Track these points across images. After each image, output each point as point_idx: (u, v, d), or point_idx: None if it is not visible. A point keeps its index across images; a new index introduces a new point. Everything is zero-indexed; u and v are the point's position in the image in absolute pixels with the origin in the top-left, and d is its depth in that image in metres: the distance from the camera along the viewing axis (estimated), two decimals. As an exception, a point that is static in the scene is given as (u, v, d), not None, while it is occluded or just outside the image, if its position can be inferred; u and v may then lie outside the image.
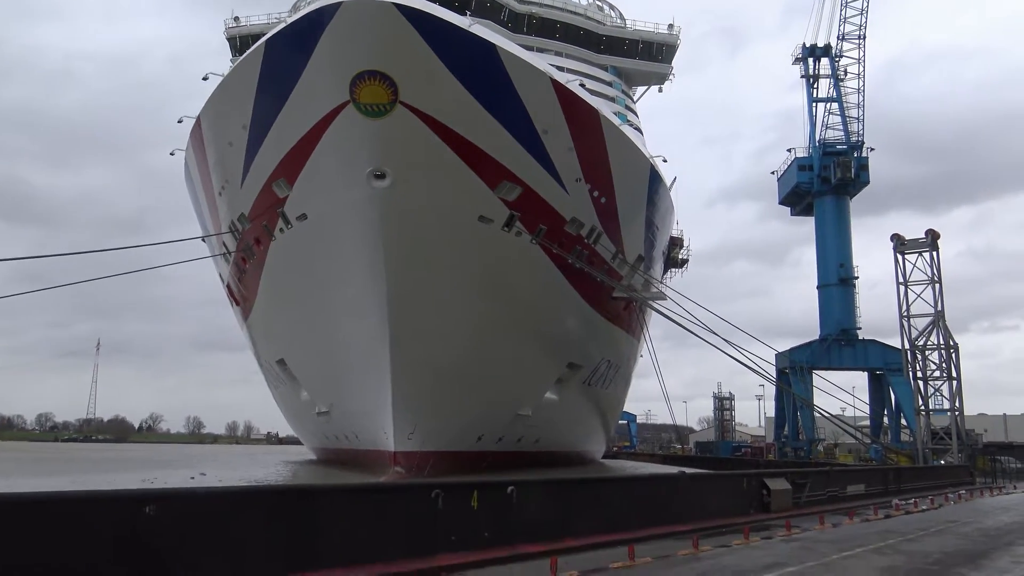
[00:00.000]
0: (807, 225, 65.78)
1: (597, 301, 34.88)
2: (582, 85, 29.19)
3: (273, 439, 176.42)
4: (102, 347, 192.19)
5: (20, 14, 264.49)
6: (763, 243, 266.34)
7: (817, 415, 53.84)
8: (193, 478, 32.48)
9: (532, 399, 34.29)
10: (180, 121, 31.05)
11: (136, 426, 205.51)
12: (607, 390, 43.85)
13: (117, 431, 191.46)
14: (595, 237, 32.24)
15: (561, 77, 27.20)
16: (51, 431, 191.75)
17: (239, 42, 43.50)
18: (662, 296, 39.43)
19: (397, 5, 21.78)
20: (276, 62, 23.93)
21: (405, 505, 10.85)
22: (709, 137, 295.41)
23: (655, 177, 36.31)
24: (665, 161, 37.42)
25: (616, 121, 31.08)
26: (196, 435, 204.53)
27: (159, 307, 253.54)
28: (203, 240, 36.98)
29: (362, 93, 22.54)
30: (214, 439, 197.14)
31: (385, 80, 22.43)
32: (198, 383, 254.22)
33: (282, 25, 23.56)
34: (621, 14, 50.90)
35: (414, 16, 22.03)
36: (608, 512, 14.16)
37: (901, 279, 45.87)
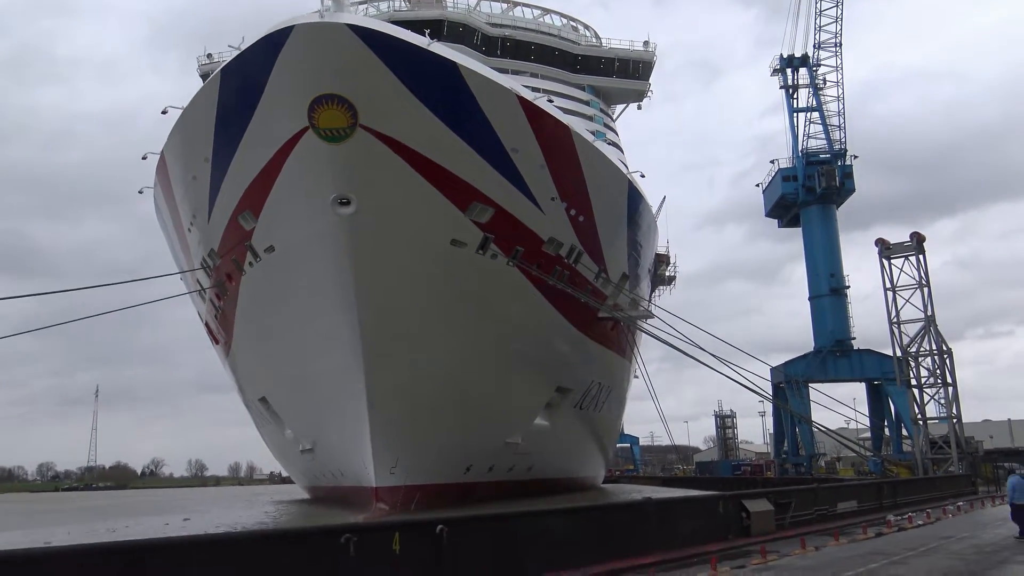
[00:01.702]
0: (796, 243, 65.44)
1: (582, 322, 34.07)
2: (550, 100, 28.66)
3: (276, 479, 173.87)
4: (103, 394, 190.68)
5: (20, 79, 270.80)
6: (753, 262, 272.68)
7: (816, 429, 52.91)
8: (167, 524, 31.43)
9: (520, 426, 33.35)
10: (144, 158, 30.43)
11: (138, 472, 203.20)
12: (600, 413, 42.91)
13: (119, 478, 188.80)
14: (575, 256, 31.52)
15: (529, 94, 26.60)
16: (52, 480, 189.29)
17: None
18: (649, 315, 38.68)
19: (352, 26, 21.23)
20: (233, 91, 23.34)
21: (307, 554, 9.18)
22: (690, 164, 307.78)
23: (634, 193, 35.69)
24: (643, 176, 36.89)
25: (590, 137, 30.51)
26: (199, 478, 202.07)
27: (159, 352, 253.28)
28: (181, 278, 36.27)
29: (321, 118, 21.92)
30: (216, 481, 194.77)
31: (343, 103, 21.82)
32: (200, 425, 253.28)
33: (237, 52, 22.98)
34: (596, 33, 50.80)
35: (370, 37, 21.46)
36: (561, 547, 12.82)
37: (888, 285, 45.12)
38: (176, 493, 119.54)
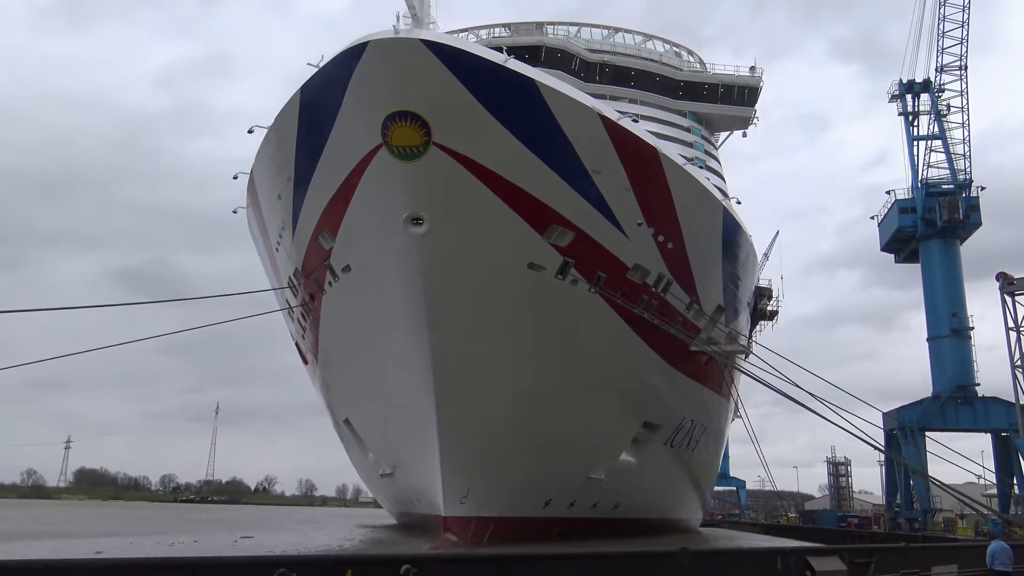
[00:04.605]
0: (914, 289, 61.10)
1: (672, 355, 32.44)
2: (635, 120, 27.56)
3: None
4: (228, 413, 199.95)
5: (181, 129, 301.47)
6: (867, 308, 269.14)
7: (932, 483, 48.61)
8: (236, 542, 31.53)
9: (604, 461, 31.90)
10: (235, 177, 31.05)
11: (252, 488, 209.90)
12: (694, 452, 40.86)
13: (233, 493, 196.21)
14: (664, 286, 30.07)
15: (613, 114, 25.60)
16: (172, 492, 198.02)
17: None
18: (745, 350, 36.64)
19: (426, 42, 20.86)
20: (311, 108, 23.40)
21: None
22: (796, 211, 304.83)
23: (730, 221, 33.89)
24: (739, 203, 35.11)
25: (681, 161, 29.15)
26: (307, 497, 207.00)
27: (282, 373, 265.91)
28: (275, 296, 36.75)
29: (394, 135, 21.59)
30: (323, 501, 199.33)
31: (416, 120, 21.42)
32: (312, 446, 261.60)
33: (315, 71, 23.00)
34: (701, 59, 49.41)
35: (444, 52, 21.03)
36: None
37: (1011, 324, 41.00)
38: (280, 511, 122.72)
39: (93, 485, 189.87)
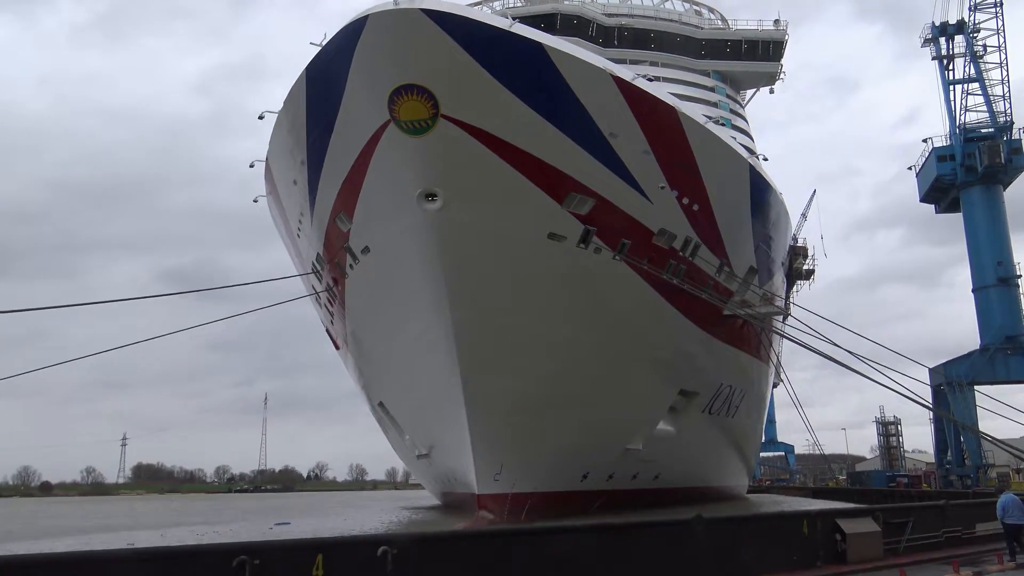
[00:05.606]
0: (958, 244, 59.22)
1: (705, 320, 31.68)
2: (650, 79, 26.66)
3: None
4: (279, 403, 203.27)
5: (220, 132, 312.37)
6: (910, 266, 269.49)
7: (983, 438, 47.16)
8: (271, 528, 31.65)
9: (641, 431, 31.35)
10: (252, 166, 30.78)
11: (304, 475, 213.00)
12: (734, 418, 40.07)
13: (286, 481, 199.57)
14: (692, 249, 29.26)
15: (628, 75, 24.76)
16: (227, 483, 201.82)
17: None
18: (780, 311, 35.64)
19: (427, 11, 20.23)
20: (318, 89, 22.94)
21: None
22: (828, 175, 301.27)
23: (758, 179, 32.82)
24: (766, 160, 34.00)
25: (702, 119, 28.22)
26: (358, 482, 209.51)
27: (329, 362, 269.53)
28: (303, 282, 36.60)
29: (401, 110, 21.04)
30: (374, 485, 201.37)
31: (423, 93, 20.84)
32: (361, 432, 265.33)
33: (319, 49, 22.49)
34: (722, 16, 48.03)
35: (447, 21, 20.37)
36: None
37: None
38: (329, 496, 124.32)
39: (150, 480, 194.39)
